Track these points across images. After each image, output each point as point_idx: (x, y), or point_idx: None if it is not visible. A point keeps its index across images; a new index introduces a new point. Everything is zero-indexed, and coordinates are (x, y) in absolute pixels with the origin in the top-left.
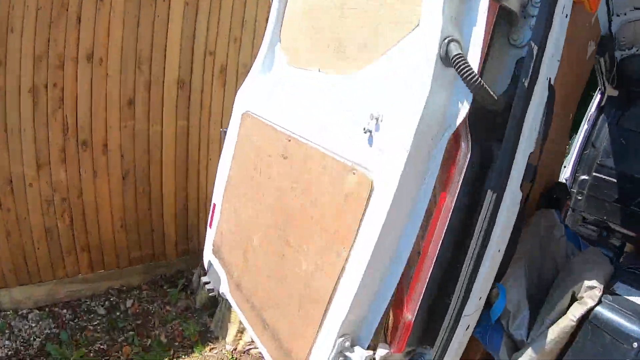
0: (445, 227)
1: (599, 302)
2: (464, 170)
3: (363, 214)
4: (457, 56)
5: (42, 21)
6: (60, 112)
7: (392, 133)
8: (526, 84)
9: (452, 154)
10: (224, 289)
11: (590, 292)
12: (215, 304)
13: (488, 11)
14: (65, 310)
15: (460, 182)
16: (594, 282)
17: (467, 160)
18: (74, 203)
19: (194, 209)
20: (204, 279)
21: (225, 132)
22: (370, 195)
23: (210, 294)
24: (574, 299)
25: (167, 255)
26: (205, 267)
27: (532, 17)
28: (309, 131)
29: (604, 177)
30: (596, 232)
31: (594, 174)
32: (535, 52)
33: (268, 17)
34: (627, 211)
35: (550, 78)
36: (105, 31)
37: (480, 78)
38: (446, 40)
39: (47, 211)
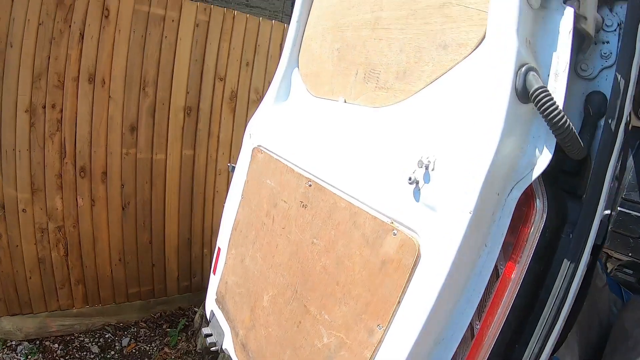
0: (510, 306)
1: None
2: (538, 235)
3: (406, 286)
4: (541, 90)
5: (43, 37)
6: (58, 135)
7: (448, 186)
8: (612, 128)
9: (523, 215)
10: (228, 345)
11: None
12: None
13: (573, 32)
14: (56, 345)
15: (533, 250)
16: None
17: (543, 223)
18: (70, 232)
19: (198, 243)
20: (205, 330)
21: (233, 168)
22: (416, 264)
23: (212, 348)
24: None
25: (167, 291)
26: (208, 317)
27: (604, 43)
28: (334, 175)
29: (629, 211)
30: (635, 276)
31: (619, 208)
32: (622, 88)
33: (283, 40)
34: None
35: (626, 117)
36: (110, 51)
37: (569, 120)
38: (523, 69)
39: (40, 239)
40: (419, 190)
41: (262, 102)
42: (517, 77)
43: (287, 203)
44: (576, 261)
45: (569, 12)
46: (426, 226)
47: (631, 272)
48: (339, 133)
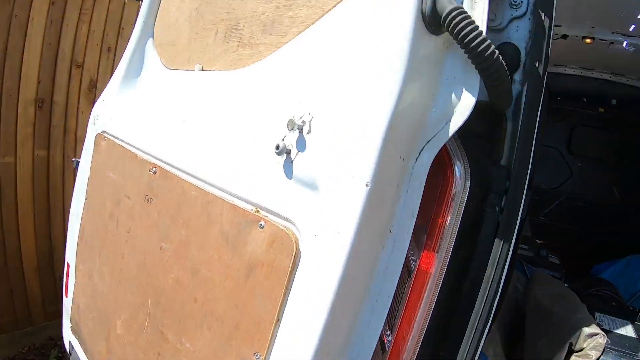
0: (430, 309)
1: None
2: (461, 212)
3: (284, 298)
4: (457, 12)
5: None
6: None
7: (332, 153)
8: (541, 78)
9: (439, 186)
10: None
11: (592, 342)
12: None
13: None
14: None
15: (456, 232)
16: (593, 328)
17: (466, 195)
18: None
19: (61, 259)
20: None
21: (77, 163)
22: (294, 265)
23: None
24: (570, 352)
25: (33, 320)
26: (67, 350)
27: None
28: (183, 157)
29: None
30: (531, 250)
31: None
32: (546, 35)
33: None
34: (536, 221)
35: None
36: None
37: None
38: None
39: None
40: (292, 162)
41: (110, 81)
42: (424, 0)
43: (130, 199)
44: (509, 241)
45: None
46: (305, 212)
47: (526, 246)
48: (193, 107)
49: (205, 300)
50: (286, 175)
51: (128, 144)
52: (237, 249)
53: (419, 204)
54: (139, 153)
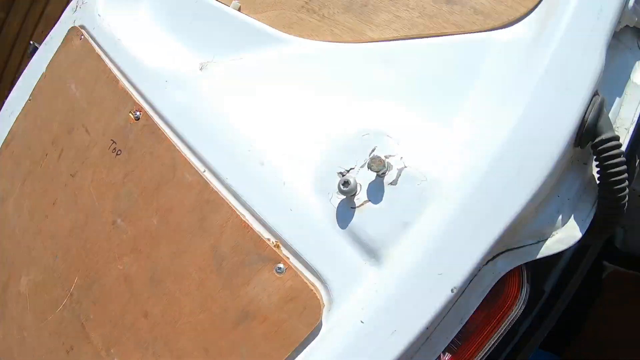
0: None
1: None
2: (505, 332)
3: None
4: (614, 143)
5: None
6: None
7: (419, 228)
8: None
9: (495, 302)
10: None
11: None
12: None
13: None
14: None
15: (492, 349)
16: None
17: (516, 319)
18: None
19: None
20: None
21: (35, 49)
22: (311, 338)
23: None
24: None
25: None
26: None
27: None
28: (189, 121)
29: None
30: None
31: None
32: None
33: None
34: None
35: None
36: None
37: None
38: (598, 100)
39: None
40: (353, 208)
41: None
42: (591, 108)
43: (89, 135)
44: None
45: None
46: (349, 279)
47: None
48: (216, 54)
49: (160, 322)
50: (339, 220)
51: (111, 60)
52: (231, 283)
53: (472, 313)
54: (123, 81)
